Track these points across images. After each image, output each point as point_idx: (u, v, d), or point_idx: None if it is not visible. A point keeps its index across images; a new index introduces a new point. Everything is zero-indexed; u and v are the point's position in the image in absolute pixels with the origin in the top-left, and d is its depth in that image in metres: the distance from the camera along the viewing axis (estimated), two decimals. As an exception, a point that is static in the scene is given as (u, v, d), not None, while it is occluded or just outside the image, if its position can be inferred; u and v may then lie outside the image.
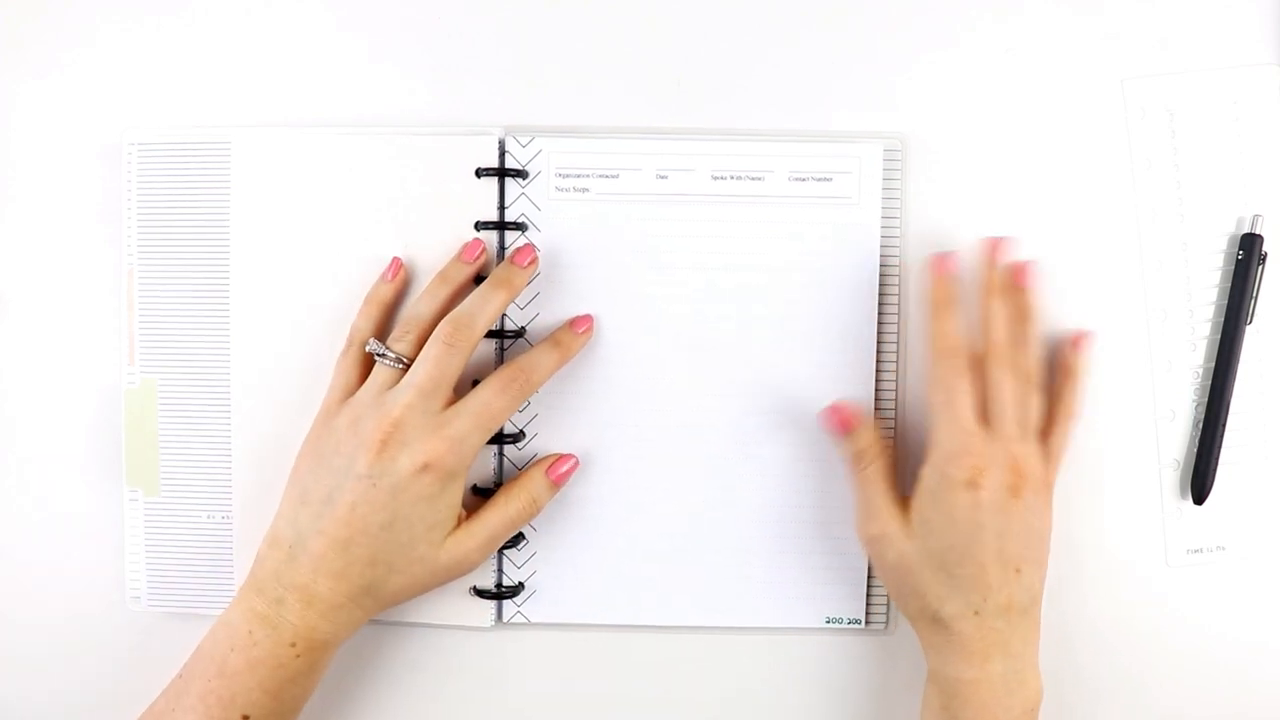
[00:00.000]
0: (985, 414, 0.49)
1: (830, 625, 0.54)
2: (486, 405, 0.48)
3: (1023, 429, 0.49)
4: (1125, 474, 0.54)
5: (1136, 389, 0.54)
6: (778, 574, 0.53)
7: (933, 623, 0.48)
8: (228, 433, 0.54)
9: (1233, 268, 0.53)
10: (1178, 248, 0.54)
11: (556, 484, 0.52)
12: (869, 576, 0.54)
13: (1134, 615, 0.54)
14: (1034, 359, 0.50)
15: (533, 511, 0.51)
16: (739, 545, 0.53)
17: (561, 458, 0.52)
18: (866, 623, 0.54)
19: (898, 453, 0.53)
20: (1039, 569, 0.49)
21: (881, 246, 0.53)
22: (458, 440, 0.48)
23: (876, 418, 0.53)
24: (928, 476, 0.48)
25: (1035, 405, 0.50)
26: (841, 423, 0.51)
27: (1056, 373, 0.52)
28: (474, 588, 0.54)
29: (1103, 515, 0.54)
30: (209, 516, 0.54)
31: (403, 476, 0.47)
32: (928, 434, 0.49)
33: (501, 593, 0.54)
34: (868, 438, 0.50)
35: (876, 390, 0.53)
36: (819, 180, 0.52)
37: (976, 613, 0.47)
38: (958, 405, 0.48)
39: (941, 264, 0.51)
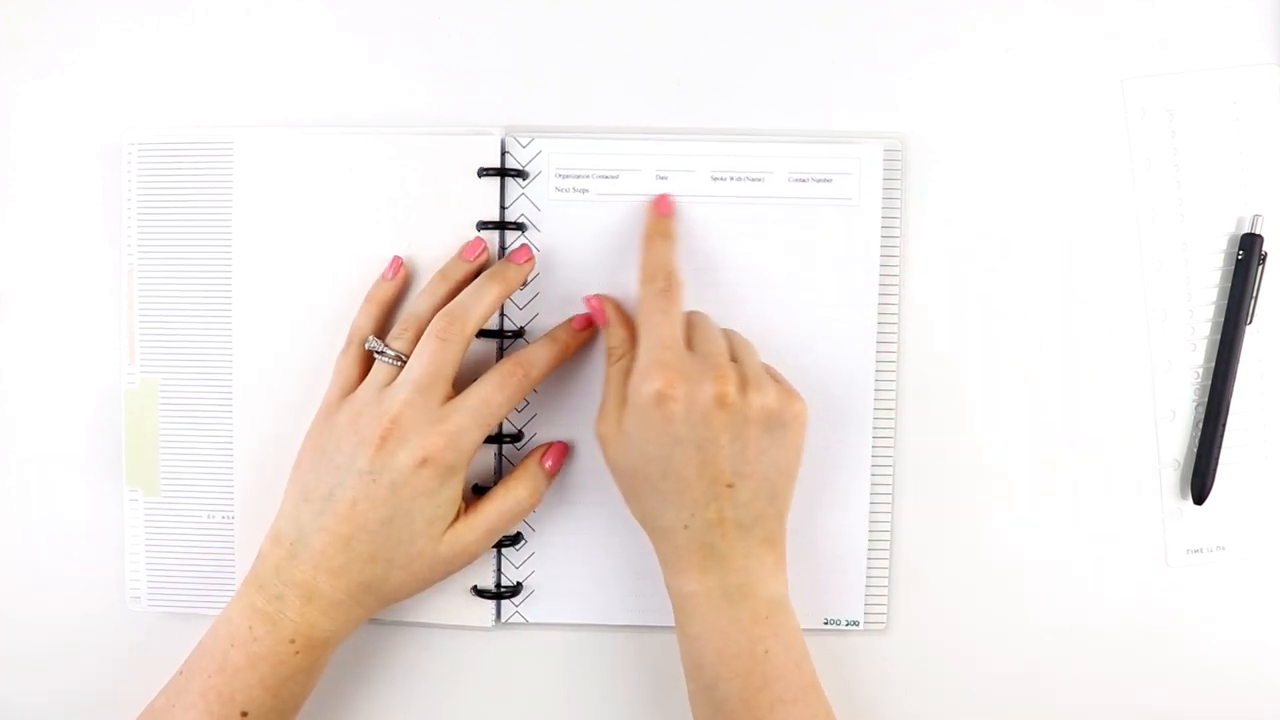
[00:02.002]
0: (690, 342, 0.49)
1: (829, 626, 0.54)
2: (485, 400, 0.49)
3: (735, 352, 0.49)
4: (1125, 474, 0.54)
5: (1136, 389, 0.54)
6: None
7: (653, 532, 0.49)
8: (229, 432, 0.54)
9: (1233, 268, 0.53)
10: (1178, 248, 0.54)
11: (551, 473, 0.52)
12: (867, 577, 0.54)
13: (1134, 615, 0.54)
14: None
15: (532, 503, 0.51)
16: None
17: (551, 446, 0.53)
18: (865, 624, 0.54)
19: None
20: (765, 486, 0.48)
21: (881, 247, 0.52)
22: (456, 435, 0.48)
23: (875, 418, 0.53)
24: (630, 390, 0.48)
25: (739, 339, 0.50)
26: (600, 313, 0.51)
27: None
28: (474, 587, 0.54)
29: (1103, 515, 0.54)
30: (209, 516, 0.54)
31: (402, 472, 0.47)
32: None
33: (501, 593, 0.54)
34: (620, 334, 0.50)
35: (876, 390, 0.53)
36: (819, 181, 0.52)
37: (686, 526, 0.47)
38: (657, 325, 0.48)
39: (661, 201, 0.51)
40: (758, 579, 0.47)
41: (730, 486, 0.47)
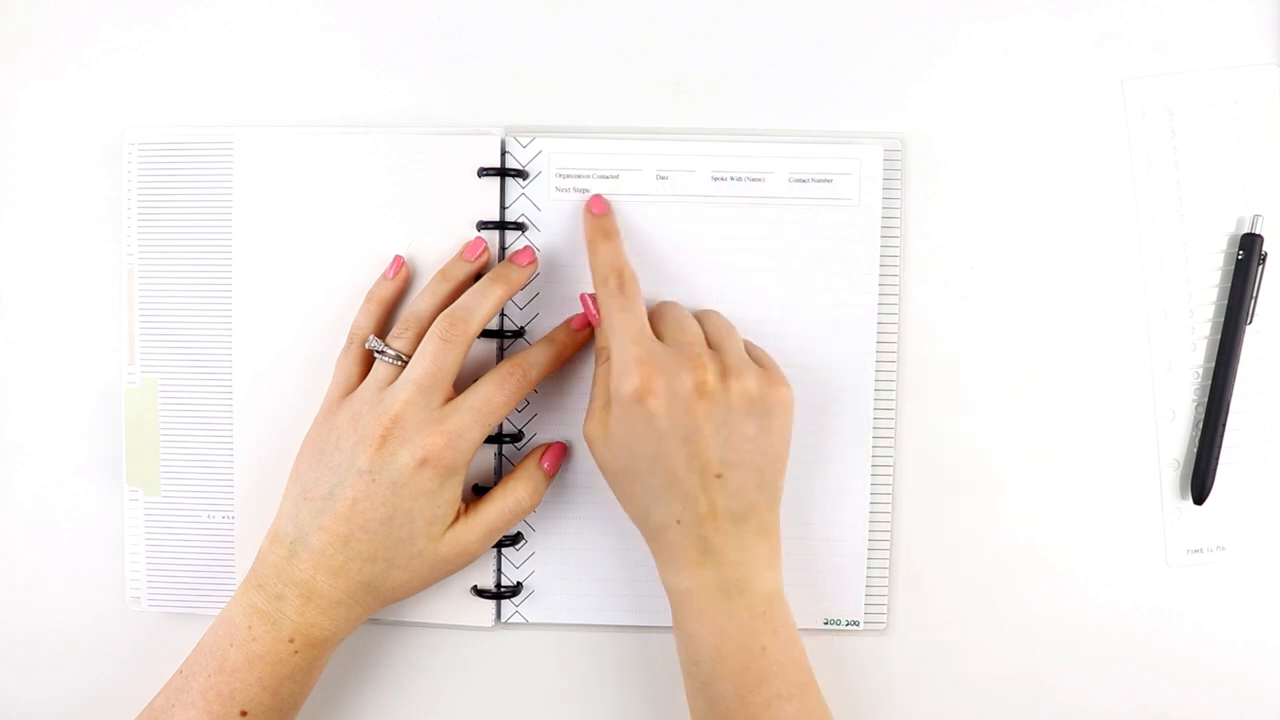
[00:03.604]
0: (658, 334, 0.49)
1: (829, 627, 0.54)
2: (486, 400, 0.49)
3: (713, 337, 0.49)
4: (1125, 474, 0.54)
5: (1136, 389, 0.54)
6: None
7: (645, 529, 0.49)
8: (229, 431, 0.54)
9: (1233, 268, 0.53)
10: (1178, 248, 0.54)
11: (549, 473, 0.52)
12: (867, 577, 0.54)
13: (1134, 615, 0.54)
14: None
15: (533, 503, 0.51)
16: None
17: (551, 446, 0.53)
18: (865, 624, 0.54)
19: None
20: (754, 474, 0.47)
21: (881, 247, 0.52)
22: (456, 435, 0.48)
23: (875, 418, 0.53)
24: (612, 390, 0.47)
25: (718, 322, 0.50)
26: (589, 311, 0.51)
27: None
28: (475, 587, 0.54)
29: (1103, 515, 0.54)
30: (210, 516, 0.54)
31: (402, 472, 0.47)
32: None
33: (501, 593, 0.54)
34: (602, 336, 0.50)
35: (876, 389, 0.53)
36: (819, 181, 0.52)
37: (678, 521, 0.47)
38: (622, 324, 0.48)
39: (595, 201, 0.51)
40: (754, 572, 0.47)
41: (719, 477, 0.47)
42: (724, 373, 0.47)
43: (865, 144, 0.52)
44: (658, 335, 0.49)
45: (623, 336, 0.47)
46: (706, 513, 0.47)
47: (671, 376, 0.46)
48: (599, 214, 0.51)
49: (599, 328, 0.50)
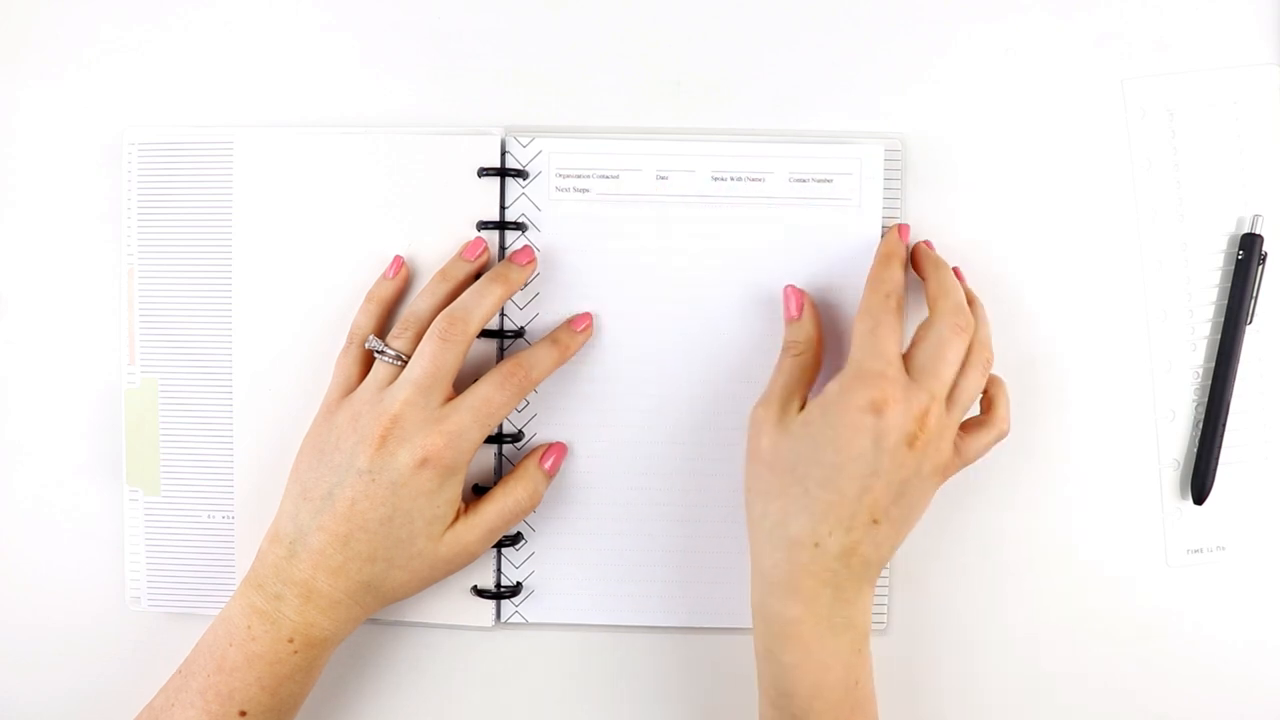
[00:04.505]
0: (909, 361, 0.47)
1: None
2: (486, 400, 0.48)
3: (950, 394, 0.47)
4: (1125, 474, 0.54)
5: (1136, 389, 0.54)
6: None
7: (768, 536, 0.46)
8: (230, 431, 0.54)
9: (1233, 268, 0.53)
10: (1178, 248, 0.54)
11: (550, 473, 0.52)
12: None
13: (1134, 615, 0.54)
14: (987, 337, 0.49)
15: (533, 503, 0.51)
16: (738, 546, 0.53)
17: (550, 447, 0.53)
18: None
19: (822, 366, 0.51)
20: (896, 534, 0.47)
21: (881, 246, 0.53)
22: (456, 435, 0.48)
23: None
24: (832, 388, 0.46)
25: (973, 384, 0.48)
26: (786, 309, 0.51)
27: (988, 386, 0.50)
28: (474, 587, 0.54)
29: (1103, 515, 0.54)
30: (210, 516, 0.54)
31: (402, 472, 0.47)
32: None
33: (501, 593, 0.54)
34: (808, 331, 0.50)
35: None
36: (819, 181, 0.52)
37: (816, 545, 0.45)
38: (882, 336, 0.47)
39: (899, 229, 0.51)
40: (860, 612, 0.47)
41: (876, 523, 0.46)
42: (939, 434, 0.46)
43: (865, 144, 0.52)
44: (913, 349, 0.48)
45: (879, 347, 0.46)
46: (849, 549, 0.45)
47: (903, 411, 0.45)
48: (901, 238, 0.51)
49: (797, 321, 0.50)
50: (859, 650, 0.47)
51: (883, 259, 0.50)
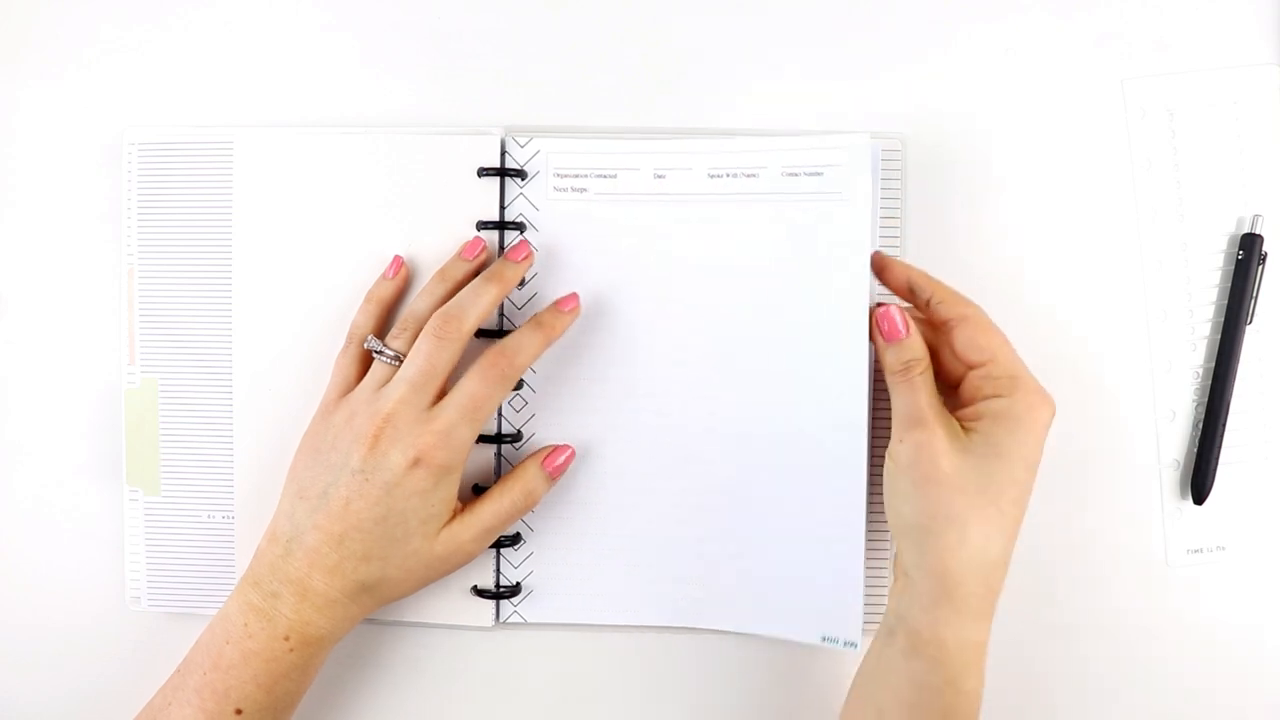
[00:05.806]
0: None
1: (825, 644, 0.52)
2: (470, 395, 0.48)
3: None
4: (1125, 474, 0.54)
5: (1136, 389, 0.54)
6: (777, 578, 0.52)
7: (969, 565, 0.44)
8: (230, 431, 0.54)
9: (1233, 268, 0.53)
10: (1178, 248, 0.53)
11: (553, 476, 0.52)
12: (866, 594, 0.52)
13: (1134, 615, 0.54)
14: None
15: (529, 504, 0.51)
16: (738, 547, 0.52)
17: (557, 449, 0.52)
18: (862, 644, 0.51)
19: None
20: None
21: (882, 246, 0.52)
22: (446, 433, 0.47)
23: (874, 417, 0.53)
24: (1009, 404, 0.46)
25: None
26: (892, 330, 0.48)
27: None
28: (474, 587, 0.54)
29: (1103, 515, 0.54)
30: (210, 516, 0.54)
31: (396, 472, 0.47)
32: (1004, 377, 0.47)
33: (500, 593, 0.54)
34: (919, 345, 0.48)
35: (873, 387, 0.53)
36: (810, 175, 0.52)
37: (1006, 564, 0.45)
38: (1015, 355, 0.47)
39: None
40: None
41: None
42: None
43: (852, 135, 0.51)
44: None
45: (1021, 362, 0.47)
46: (1004, 561, 0.45)
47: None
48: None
49: (906, 339, 0.48)
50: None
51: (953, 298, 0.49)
